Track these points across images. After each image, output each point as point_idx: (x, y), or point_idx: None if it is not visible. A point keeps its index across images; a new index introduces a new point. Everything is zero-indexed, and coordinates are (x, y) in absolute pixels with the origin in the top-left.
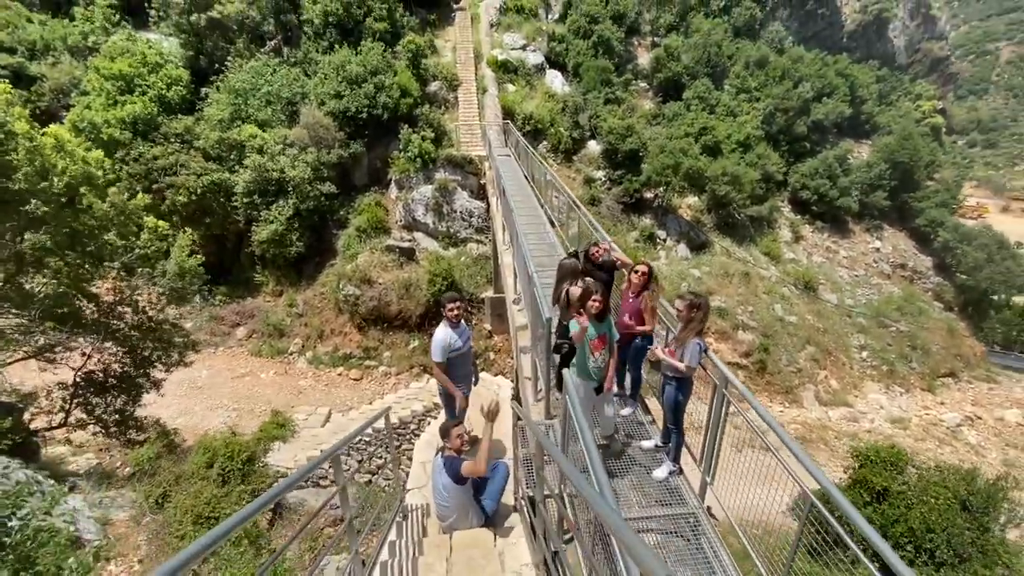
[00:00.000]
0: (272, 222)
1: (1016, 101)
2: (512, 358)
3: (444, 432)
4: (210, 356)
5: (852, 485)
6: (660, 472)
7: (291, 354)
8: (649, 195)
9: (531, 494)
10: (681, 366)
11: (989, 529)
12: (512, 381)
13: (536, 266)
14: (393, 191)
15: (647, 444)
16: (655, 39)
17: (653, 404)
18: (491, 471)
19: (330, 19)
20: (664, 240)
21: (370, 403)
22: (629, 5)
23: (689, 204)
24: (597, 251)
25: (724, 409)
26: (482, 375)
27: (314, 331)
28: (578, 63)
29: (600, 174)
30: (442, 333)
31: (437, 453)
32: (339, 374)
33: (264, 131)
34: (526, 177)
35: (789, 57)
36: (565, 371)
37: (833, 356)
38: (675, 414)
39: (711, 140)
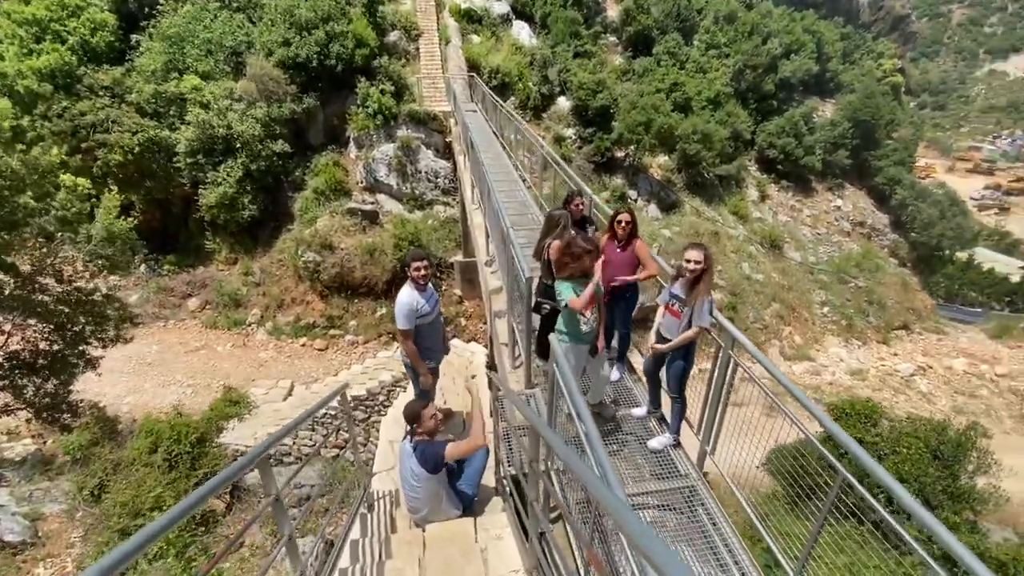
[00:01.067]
0: (220, 184)
1: (964, 64)
2: (485, 323)
3: (413, 416)
4: (160, 330)
5: (826, 439)
6: (657, 443)
7: (249, 325)
8: (620, 154)
9: (514, 472)
10: (692, 334)
11: (958, 477)
12: (486, 347)
13: (510, 224)
14: (352, 150)
15: (638, 412)
16: None
17: (640, 364)
18: None
19: None
20: (635, 200)
21: (335, 374)
22: None
23: (659, 163)
24: (580, 203)
25: (731, 372)
26: (454, 342)
27: (273, 300)
28: (546, 13)
29: (570, 132)
30: (407, 296)
31: (405, 437)
32: (302, 345)
33: (207, 83)
34: (495, 133)
35: (758, 11)
36: (552, 336)
37: (797, 312)
38: (680, 381)
39: (682, 97)
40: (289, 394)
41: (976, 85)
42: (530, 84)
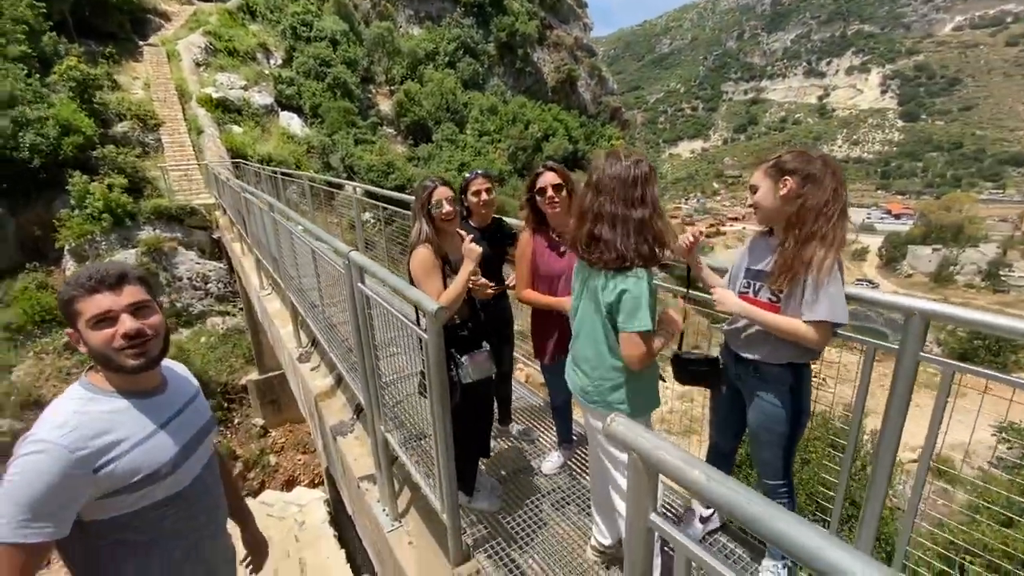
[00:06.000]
0: None
1: (652, 150)
2: (309, 451)
3: None
4: None
5: None
6: None
7: None
8: None
9: None
10: (818, 338)
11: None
12: (324, 492)
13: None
14: (69, 265)
15: (695, 531)
16: (391, 88)
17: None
18: None
19: None
20: None
21: None
22: (360, 53)
23: None
24: (483, 189)
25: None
26: (266, 495)
27: None
28: (316, 104)
29: (368, 215)
30: (61, 429)
31: None
32: None
33: None
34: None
35: (516, 103)
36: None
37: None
38: (787, 453)
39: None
40: None
41: (664, 164)
42: (311, 172)
